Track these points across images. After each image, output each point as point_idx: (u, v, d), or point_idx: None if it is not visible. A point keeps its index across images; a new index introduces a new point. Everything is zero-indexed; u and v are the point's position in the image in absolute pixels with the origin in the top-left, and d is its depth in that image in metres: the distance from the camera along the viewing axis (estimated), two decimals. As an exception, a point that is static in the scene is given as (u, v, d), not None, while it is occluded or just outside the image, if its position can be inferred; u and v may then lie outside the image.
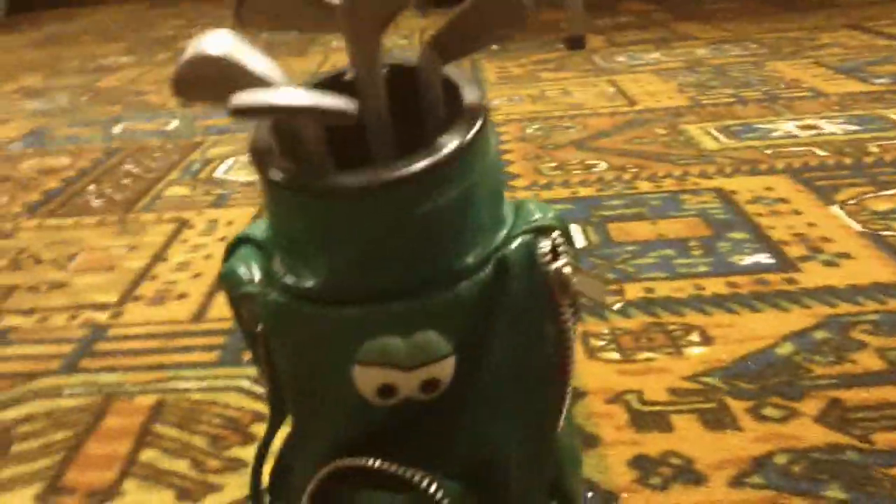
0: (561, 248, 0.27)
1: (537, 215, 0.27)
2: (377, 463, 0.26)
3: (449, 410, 0.26)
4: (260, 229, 0.28)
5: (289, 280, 0.26)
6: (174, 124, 1.29)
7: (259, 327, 0.27)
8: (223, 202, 0.91)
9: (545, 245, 0.27)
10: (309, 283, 0.25)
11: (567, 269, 0.26)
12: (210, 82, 0.24)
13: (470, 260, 0.26)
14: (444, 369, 0.25)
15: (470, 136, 0.25)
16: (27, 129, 1.31)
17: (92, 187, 1.00)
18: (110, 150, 1.17)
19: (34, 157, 1.14)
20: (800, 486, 0.44)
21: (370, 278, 0.25)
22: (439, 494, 0.25)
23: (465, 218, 0.25)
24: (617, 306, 0.30)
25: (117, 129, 1.29)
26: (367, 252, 0.25)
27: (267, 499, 0.31)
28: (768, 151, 0.96)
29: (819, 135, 1.00)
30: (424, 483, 0.25)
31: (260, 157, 0.25)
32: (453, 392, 0.26)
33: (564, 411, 0.29)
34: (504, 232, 0.27)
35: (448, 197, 0.25)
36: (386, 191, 0.24)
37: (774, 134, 1.02)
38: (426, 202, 0.24)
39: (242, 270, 0.27)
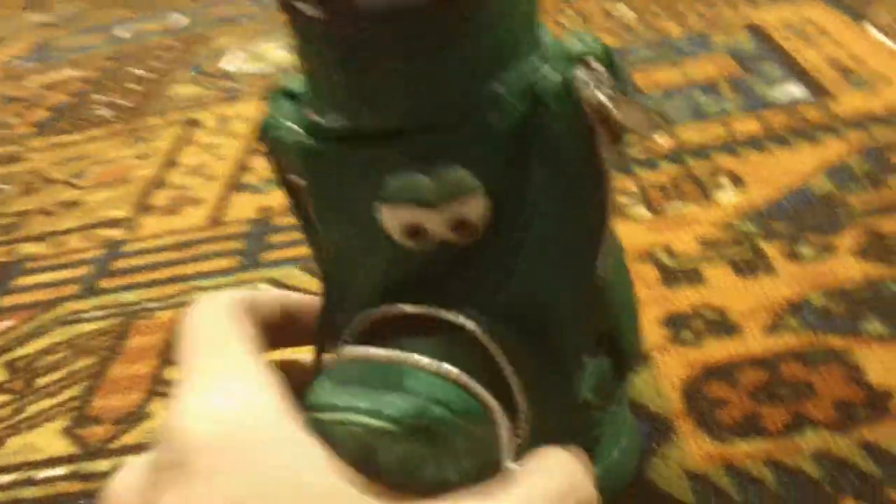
0: (602, 77, 0.24)
1: (577, 44, 0.25)
2: (417, 309, 0.25)
3: (488, 256, 0.25)
4: (297, 81, 0.27)
5: (316, 121, 0.25)
6: (180, 20, 1.25)
7: (291, 178, 0.27)
8: (233, 97, 0.89)
9: (583, 73, 0.24)
10: (334, 123, 0.24)
11: (607, 99, 0.24)
12: None
13: (501, 90, 0.24)
14: (473, 208, 0.24)
15: None
16: (31, 44, 1.28)
17: (100, 97, 0.98)
18: (117, 55, 1.14)
19: (40, 73, 1.12)
20: (837, 324, 0.42)
21: (393, 112, 0.23)
22: (485, 337, 0.24)
23: (498, 42, 0.23)
24: (662, 140, 0.27)
25: (123, 33, 1.26)
26: (390, 82, 0.23)
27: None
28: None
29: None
30: (469, 324, 0.24)
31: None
32: (491, 237, 0.25)
33: (603, 251, 0.27)
34: (540, 61, 0.25)
35: (478, 21, 0.23)
36: (412, 13, 0.22)
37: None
38: (456, 26, 0.22)
39: (276, 120, 0.26)
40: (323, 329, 0.29)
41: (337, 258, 0.27)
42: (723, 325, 0.44)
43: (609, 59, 0.25)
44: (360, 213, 0.25)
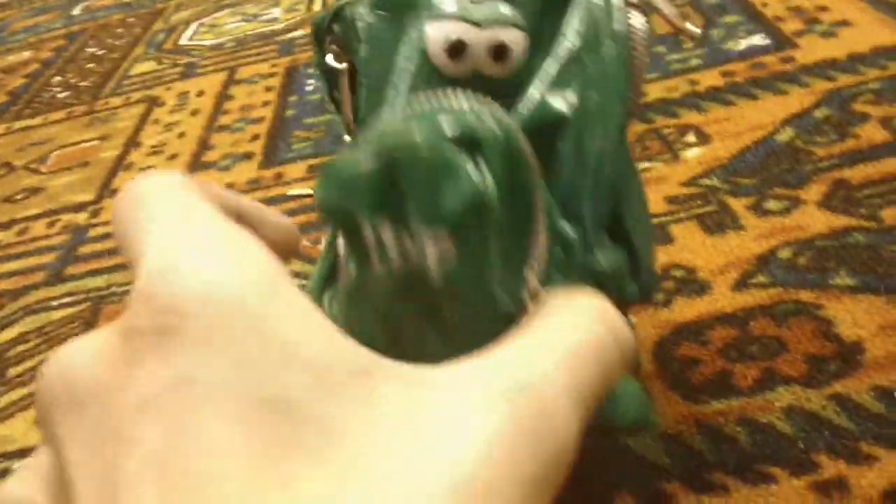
0: None
1: None
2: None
3: (518, 88, 0.26)
4: None
5: None
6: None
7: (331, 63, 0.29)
8: (192, 72, 0.87)
9: None
10: None
11: None
12: None
13: None
14: (515, 38, 0.26)
15: None
16: (-17, 29, 1.25)
17: (57, 78, 0.96)
18: (72, 34, 1.12)
19: (-6, 57, 1.10)
20: (806, 277, 0.42)
21: None
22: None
23: None
24: (696, 30, 0.31)
25: (77, 10, 1.23)
26: None
27: None
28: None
29: None
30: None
31: None
32: (522, 73, 0.26)
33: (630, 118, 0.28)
34: None
35: None
36: None
37: None
38: None
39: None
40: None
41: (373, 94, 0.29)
42: (692, 284, 0.44)
43: None
44: (408, 47, 0.27)
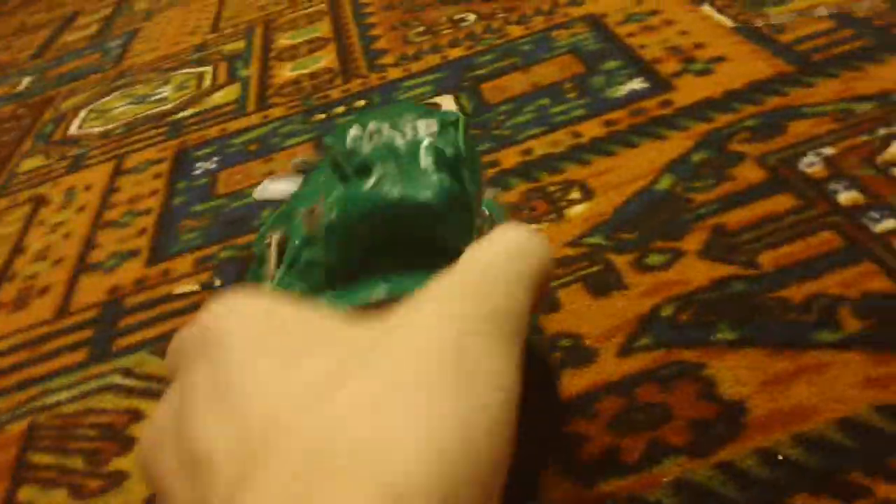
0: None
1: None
2: None
3: None
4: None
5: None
6: (25, 82, 1.20)
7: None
8: (79, 164, 0.84)
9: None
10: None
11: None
12: None
13: None
14: None
15: None
16: None
17: (-56, 184, 0.92)
18: (-40, 133, 1.08)
19: None
20: (689, 335, 0.42)
21: None
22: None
23: None
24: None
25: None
26: None
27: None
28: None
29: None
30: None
31: None
32: None
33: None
34: None
35: None
36: None
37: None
38: None
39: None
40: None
41: None
42: (580, 352, 0.43)
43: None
44: None
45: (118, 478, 0.44)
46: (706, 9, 0.76)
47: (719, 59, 0.67)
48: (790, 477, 0.34)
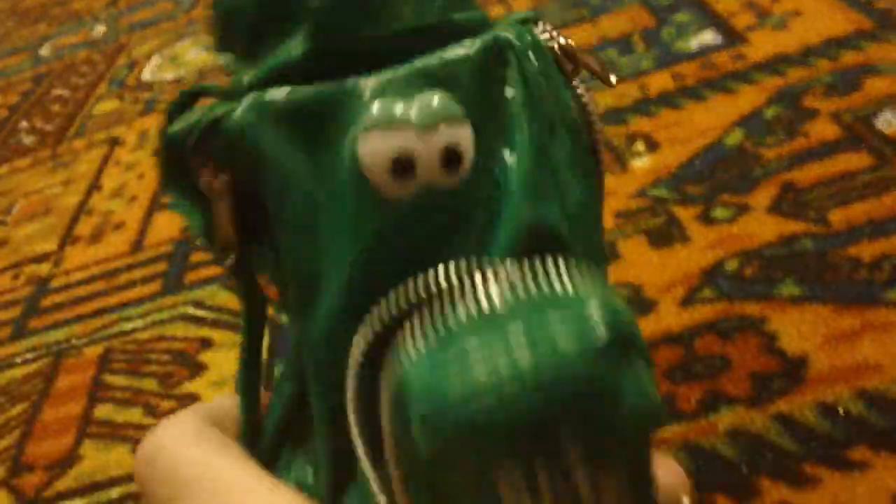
0: (552, 33, 0.24)
1: (519, 15, 0.25)
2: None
3: (482, 196, 0.21)
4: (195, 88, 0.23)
5: (262, 71, 0.22)
6: (99, 29, 1.22)
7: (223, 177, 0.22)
8: (153, 108, 0.87)
9: (542, 26, 0.24)
10: (298, 49, 0.21)
11: (570, 42, 0.24)
12: None
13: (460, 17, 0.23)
14: (463, 136, 0.20)
15: None
16: (-47, 74, 1.25)
17: (24, 123, 0.96)
18: (39, 76, 1.11)
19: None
20: (752, 289, 0.42)
21: (378, 22, 0.21)
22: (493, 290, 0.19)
23: None
24: (613, 78, 0.27)
25: (45, 51, 1.23)
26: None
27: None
28: None
29: None
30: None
31: None
32: (481, 176, 0.21)
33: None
34: (484, 24, 0.24)
35: None
36: None
37: None
38: None
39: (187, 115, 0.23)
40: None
41: (298, 247, 0.22)
42: (639, 303, 0.43)
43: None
44: (331, 172, 0.21)
45: (190, 400, 0.46)
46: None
47: (795, 14, 0.65)
48: (850, 431, 0.34)
